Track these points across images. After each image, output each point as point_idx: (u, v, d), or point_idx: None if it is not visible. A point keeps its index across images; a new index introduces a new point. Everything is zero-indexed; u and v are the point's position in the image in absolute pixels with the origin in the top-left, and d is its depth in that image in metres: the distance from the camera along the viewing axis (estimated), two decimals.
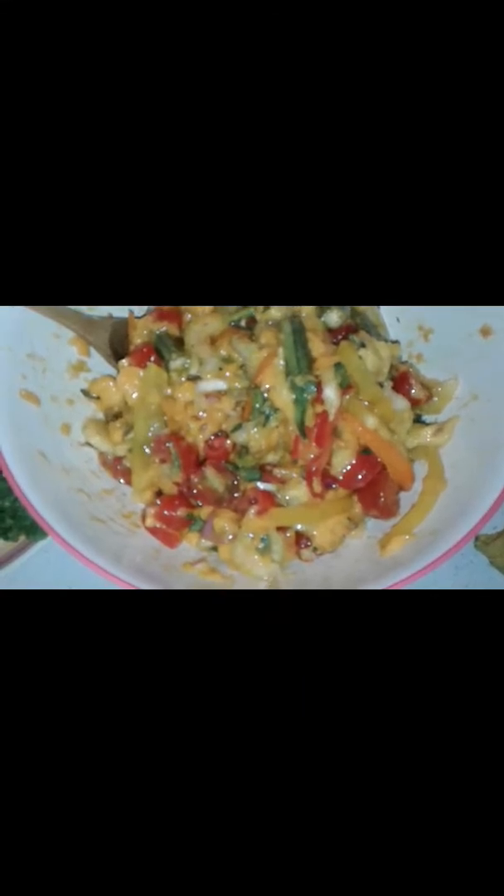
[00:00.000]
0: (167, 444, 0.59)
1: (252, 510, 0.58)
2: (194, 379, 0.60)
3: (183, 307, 0.65)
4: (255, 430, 0.59)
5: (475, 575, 0.65)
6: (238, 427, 0.59)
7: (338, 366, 0.58)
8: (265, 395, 0.59)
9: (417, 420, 0.63)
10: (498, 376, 0.58)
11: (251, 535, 0.58)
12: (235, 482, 0.60)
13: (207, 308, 0.64)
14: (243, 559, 0.58)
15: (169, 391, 0.60)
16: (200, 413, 0.60)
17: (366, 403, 0.59)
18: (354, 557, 0.58)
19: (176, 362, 0.61)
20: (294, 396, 0.57)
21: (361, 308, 0.64)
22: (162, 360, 0.62)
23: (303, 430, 0.58)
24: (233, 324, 0.63)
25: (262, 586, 0.57)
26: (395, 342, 0.65)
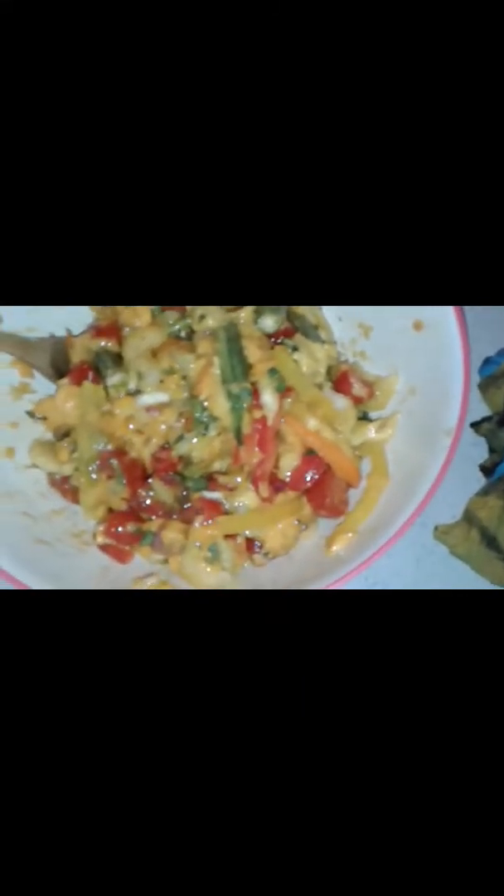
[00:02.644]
0: (111, 461, 0.59)
1: (199, 520, 0.58)
2: (134, 393, 0.60)
3: (121, 322, 0.65)
4: (196, 440, 0.59)
5: (436, 566, 0.65)
6: (179, 438, 0.59)
7: (272, 371, 0.58)
8: (204, 404, 0.59)
9: (363, 417, 0.63)
10: (431, 369, 0.58)
11: (198, 545, 0.58)
12: (185, 493, 0.60)
13: (145, 321, 0.64)
14: (193, 570, 0.57)
15: (107, 407, 0.60)
16: (143, 426, 0.60)
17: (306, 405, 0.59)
18: (304, 558, 0.59)
19: (113, 378, 0.61)
20: (231, 404, 0.58)
21: (300, 311, 0.65)
22: (101, 377, 0.62)
23: (239, 437, 0.58)
24: (172, 334, 0.63)
25: None
26: (333, 343, 0.66)
